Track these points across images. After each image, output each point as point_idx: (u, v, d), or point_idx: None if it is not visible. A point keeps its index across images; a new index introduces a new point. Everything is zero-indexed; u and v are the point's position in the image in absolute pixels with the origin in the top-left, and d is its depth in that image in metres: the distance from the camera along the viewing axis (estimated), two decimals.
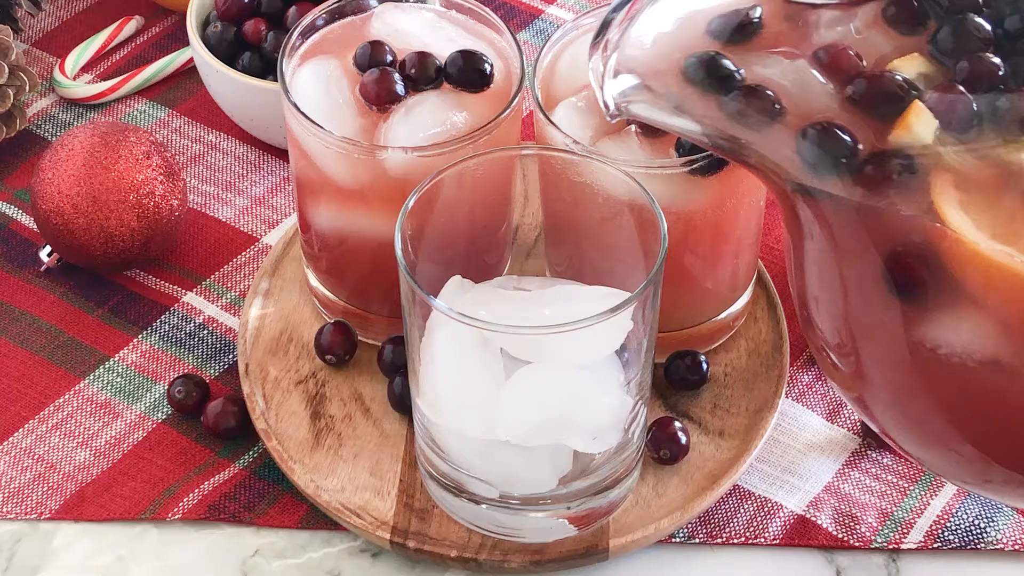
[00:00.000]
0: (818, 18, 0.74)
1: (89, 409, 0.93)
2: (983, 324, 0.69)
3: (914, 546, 0.87)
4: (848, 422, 0.92)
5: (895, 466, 0.90)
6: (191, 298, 0.99)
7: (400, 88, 0.87)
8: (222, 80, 1.03)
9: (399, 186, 0.84)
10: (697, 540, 0.88)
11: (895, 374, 0.73)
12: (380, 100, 0.87)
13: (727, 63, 0.74)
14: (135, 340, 0.97)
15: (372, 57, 0.88)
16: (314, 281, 0.95)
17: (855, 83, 0.72)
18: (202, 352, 0.96)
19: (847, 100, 0.72)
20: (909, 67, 0.73)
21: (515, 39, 0.90)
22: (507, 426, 0.80)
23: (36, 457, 0.91)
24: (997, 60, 0.72)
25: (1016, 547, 0.87)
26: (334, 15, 0.91)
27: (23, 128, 1.07)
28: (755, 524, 0.88)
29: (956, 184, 0.69)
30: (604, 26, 0.75)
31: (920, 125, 0.70)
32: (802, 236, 0.76)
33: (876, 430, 0.79)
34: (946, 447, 0.74)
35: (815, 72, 0.73)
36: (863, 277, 0.72)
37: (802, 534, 0.88)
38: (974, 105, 0.71)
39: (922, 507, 0.89)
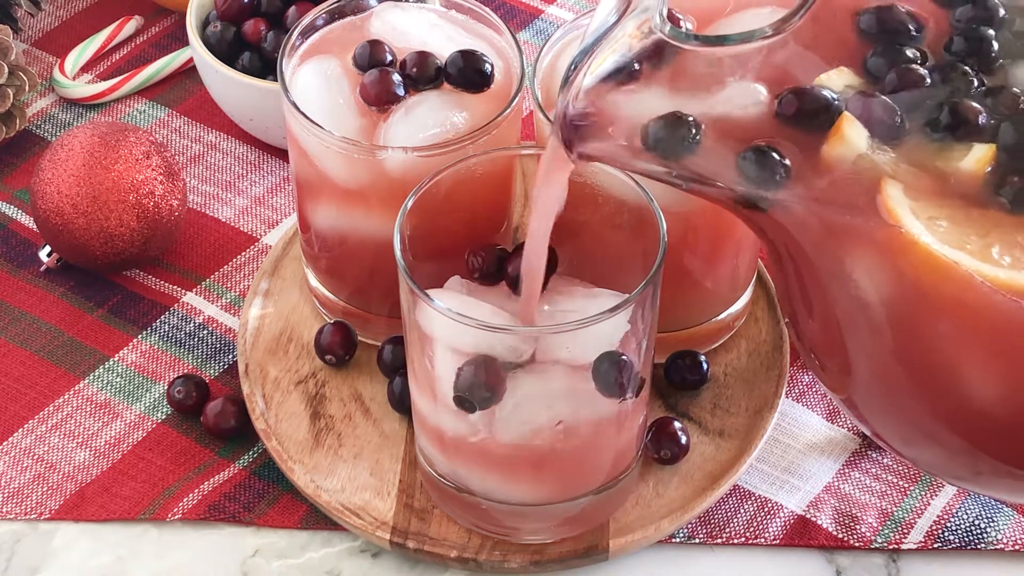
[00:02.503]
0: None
1: (89, 409, 0.93)
2: (933, 321, 0.70)
3: (914, 546, 0.87)
4: (848, 422, 0.92)
5: (895, 466, 0.90)
6: (191, 298, 0.99)
7: (399, 89, 0.87)
8: (222, 80, 1.03)
9: (399, 186, 0.84)
10: (697, 540, 0.88)
11: (876, 368, 0.74)
12: (380, 101, 0.87)
13: (687, 125, 0.73)
14: (135, 340, 0.97)
15: (371, 56, 0.88)
16: (314, 281, 0.95)
17: (782, 99, 0.73)
18: (202, 352, 0.96)
19: (775, 117, 0.73)
20: (837, 80, 0.73)
21: (515, 39, 0.90)
22: (507, 426, 0.80)
23: (36, 457, 0.91)
24: (923, 71, 0.72)
25: (1016, 547, 0.87)
26: (334, 15, 0.91)
27: (23, 128, 1.07)
28: (755, 524, 0.88)
29: (904, 191, 0.70)
30: (569, 71, 0.75)
31: (854, 134, 0.71)
32: (774, 247, 0.76)
33: (868, 433, 0.79)
34: (934, 441, 0.74)
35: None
36: (835, 278, 0.73)
37: (802, 534, 0.88)
38: (896, 110, 0.71)
39: (922, 507, 0.89)
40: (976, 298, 0.68)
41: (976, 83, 0.72)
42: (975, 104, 0.71)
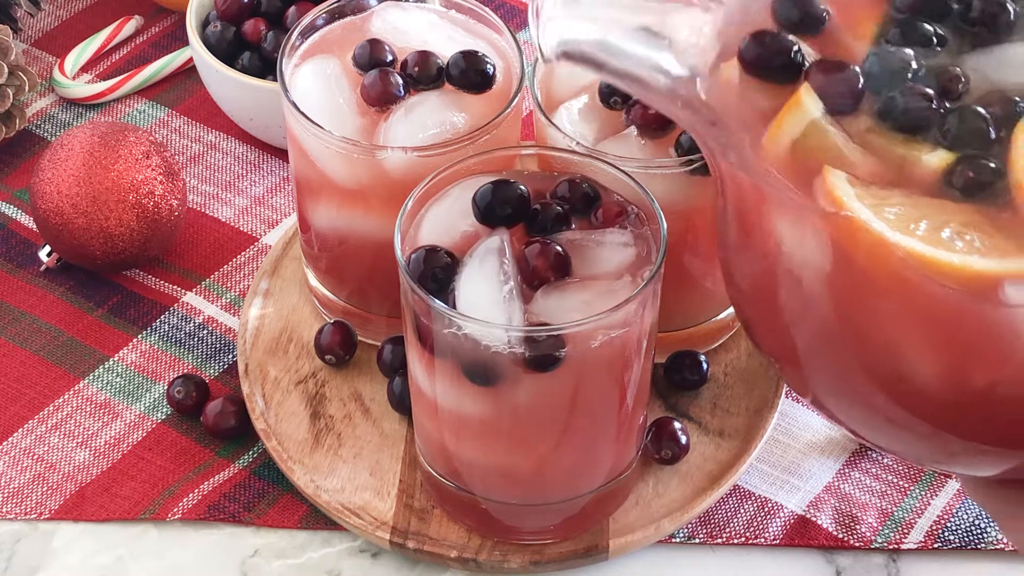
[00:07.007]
0: None
1: (89, 409, 0.93)
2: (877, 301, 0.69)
3: (914, 546, 0.87)
4: None
5: (895, 466, 0.90)
6: (191, 298, 0.99)
7: (399, 89, 0.87)
8: (222, 80, 1.03)
9: (399, 186, 0.84)
10: (697, 540, 0.88)
11: (825, 352, 0.72)
12: (380, 101, 0.87)
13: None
14: (135, 340, 0.97)
15: (372, 56, 0.88)
16: (314, 281, 0.95)
17: (745, 47, 0.71)
18: (202, 352, 0.96)
19: (741, 64, 0.71)
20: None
21: (515, 39, 0.90)
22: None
23: (36, 457, 0.91)
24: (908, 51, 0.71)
25: (1016, 547, 0.87)
26: (334, 15, 0.91)
27: (23, 128, 1.07)
28: (755, 524, 0.88)
29: (848, 179, 0.69)
30: None
31: (810, 103, 0.69)
32: (724, 208, 0.75)
33: (848, 430, 0.78)
34: (899, 427, 0.73)
35: None
36: (781, 253, 0.71)
37: (802, 534, 0.88)
38: (859, 81, 0.70)
39: (922, 507, 0.89)
40: (919, 286, 0.67)
41: (917, 67, 0.71)
42: (927, 91, 0.70)
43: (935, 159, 0.69)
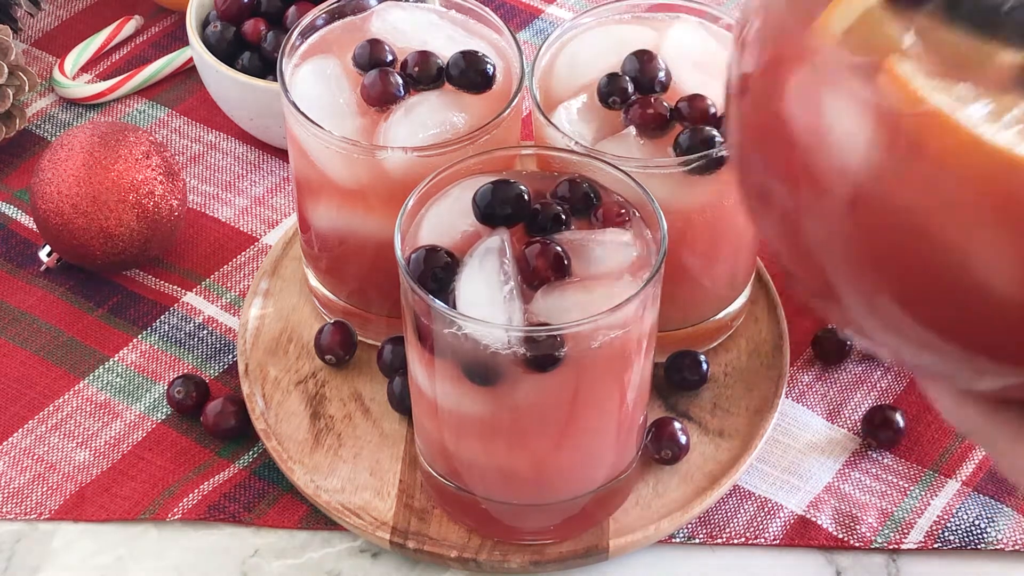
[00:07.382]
0: None
1: (89, 409, 0.93)
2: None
3: (914, 546, 0.87)
4: (848, 422, 0.93)
5: (895, 466, 0.90)
6: (191, 298, 0.99)
7: (399, 89, 0.87)
8: (222, 80, 1.03)
9: (399, 186, 0.84)
10: (697, 540, 0.88)
11: (852, 261, 0.69)
12: (380, 101, 0.87)
13: None
14: (135, 340, 0.97)
15: (371, 56, 0.88)
16: (314, 281, 0.95)
17: None
18: (202, 352, 0.96)
19: None
20: None
21: (515, 39, 0.90)
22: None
23: (36, 457, 0.91)
24: None
25: (1016, 547, 0.87)
26: (334, 15, 0.91)
27: (23, 128, 1.07)
28: (755, 524, 0.88)
29: (917, 66, 0.66)
30: None
31: None
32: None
33: (867, 343, 0.74)
34: (921, 344, 0.69)
35: None
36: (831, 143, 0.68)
37: (802, 534, 0.88)
38: None
39: (922, 507, 0.89)
40: (1014, 189, 0.64)
41: None
42: None
43: (1010, 56, 0.66)
